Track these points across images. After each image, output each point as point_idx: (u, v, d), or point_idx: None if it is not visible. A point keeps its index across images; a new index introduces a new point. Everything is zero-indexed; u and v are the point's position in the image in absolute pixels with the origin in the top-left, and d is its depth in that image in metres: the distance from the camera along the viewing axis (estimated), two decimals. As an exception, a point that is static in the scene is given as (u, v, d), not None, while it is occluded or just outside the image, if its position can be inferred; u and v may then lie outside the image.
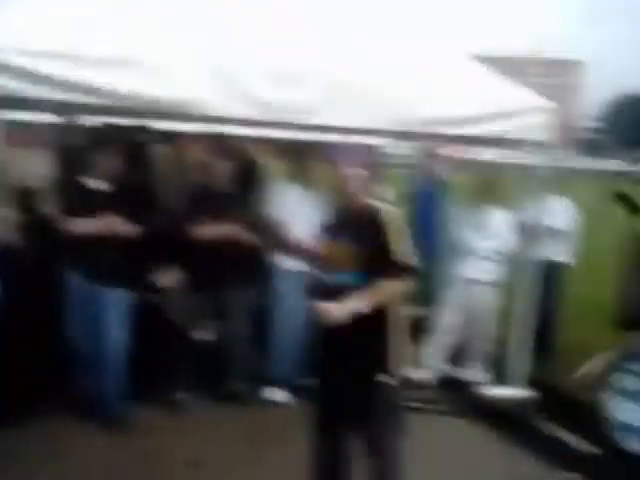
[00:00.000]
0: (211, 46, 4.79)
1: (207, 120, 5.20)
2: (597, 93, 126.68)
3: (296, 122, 5.16)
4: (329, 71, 5.08)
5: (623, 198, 2.91)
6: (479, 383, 6.68)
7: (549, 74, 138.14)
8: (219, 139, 6.09)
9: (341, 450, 4.18)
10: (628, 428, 2.87)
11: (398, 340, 3.99)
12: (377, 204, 4.03)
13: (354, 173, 3.98)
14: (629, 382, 2.93)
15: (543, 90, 6.64)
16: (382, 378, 3.94)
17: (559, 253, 7.32)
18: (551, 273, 7.22)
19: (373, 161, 4.12)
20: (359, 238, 3.89)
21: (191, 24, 4.92)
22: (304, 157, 6.27)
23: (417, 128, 5.46)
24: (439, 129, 5.62)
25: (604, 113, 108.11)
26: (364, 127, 5.41)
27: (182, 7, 5.03)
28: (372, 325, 3.89)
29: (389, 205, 4.06)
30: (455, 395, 6.59)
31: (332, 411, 4.10)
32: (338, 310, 3.82)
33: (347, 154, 4.08)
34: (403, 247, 3.86)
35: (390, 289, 3.88)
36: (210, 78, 4.68)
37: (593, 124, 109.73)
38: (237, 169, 6.04)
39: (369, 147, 4.17)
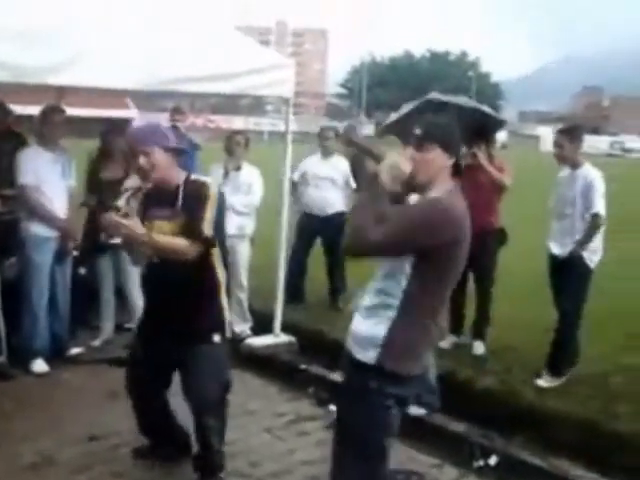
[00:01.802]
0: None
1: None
2: (342, 60, 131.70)
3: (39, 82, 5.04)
4: (72, 31, 5.01)
5: (349, 141, 3.28)
6: (242, 334, 6.92)
7: (296, 43, 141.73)
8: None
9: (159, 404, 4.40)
10: (355, 337, 3.22)
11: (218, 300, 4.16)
12: (202, 178, 4.15)
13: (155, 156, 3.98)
14: (362, 300, 3.26)
15: (291, 58, 6.94)
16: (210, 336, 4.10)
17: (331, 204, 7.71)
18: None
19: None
20: (184, 210, 3.97)
21: None
22: (51, 121, 6.09)
23: (162, 87, 5.54)
24: (184, 87, 5.75)
25: (348, 79, 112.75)
26: (109, 87, 5.42)
27: None
28: (192, 288, 4.05)
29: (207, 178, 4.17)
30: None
31: (150, 370, 4.23)
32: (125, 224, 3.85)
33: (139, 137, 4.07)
34: (210, 218, 3.97)
35: (175, 243, 3.95)
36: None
37: (339, 90, 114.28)
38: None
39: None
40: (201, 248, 3.97)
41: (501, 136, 50.18)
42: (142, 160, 3.95)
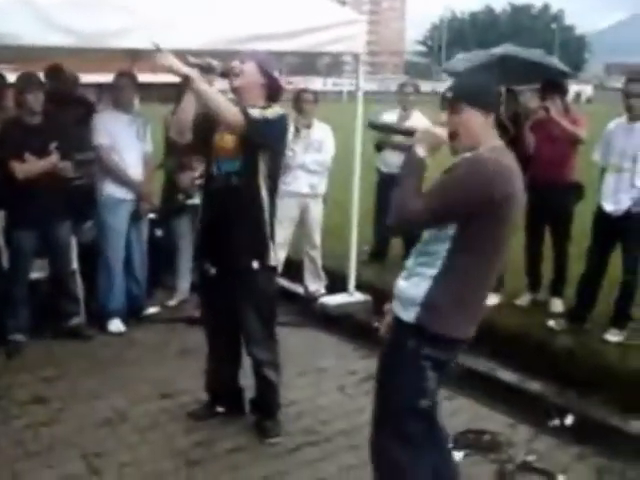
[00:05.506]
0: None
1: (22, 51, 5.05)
2: (421, 17, 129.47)
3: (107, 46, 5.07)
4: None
5: (373, 126, 3.21)
6: (317, 293, 6.92)
7: (373, 1, 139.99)
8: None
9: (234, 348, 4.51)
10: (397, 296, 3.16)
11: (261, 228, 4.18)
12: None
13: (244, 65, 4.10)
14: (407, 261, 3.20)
15: (369, 16, 6.81)
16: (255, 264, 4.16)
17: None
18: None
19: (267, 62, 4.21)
20: None
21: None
22: (121, 85, 6.19)
23: (229, 46, 5.48)
24: (250, 46, 5.67)
25: (427, 36, 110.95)
26: (182, 48, 5.38)
27: None
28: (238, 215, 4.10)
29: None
30: (295, 307, 6.78)
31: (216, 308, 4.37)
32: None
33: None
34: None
35: (221, 99, 3.91)
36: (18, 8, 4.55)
37: (418, 47, 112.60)
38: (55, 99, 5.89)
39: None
40: (245, 122, 3.91)
41: (586, 90, 48.81)
42: (235, 63, 4.12)
